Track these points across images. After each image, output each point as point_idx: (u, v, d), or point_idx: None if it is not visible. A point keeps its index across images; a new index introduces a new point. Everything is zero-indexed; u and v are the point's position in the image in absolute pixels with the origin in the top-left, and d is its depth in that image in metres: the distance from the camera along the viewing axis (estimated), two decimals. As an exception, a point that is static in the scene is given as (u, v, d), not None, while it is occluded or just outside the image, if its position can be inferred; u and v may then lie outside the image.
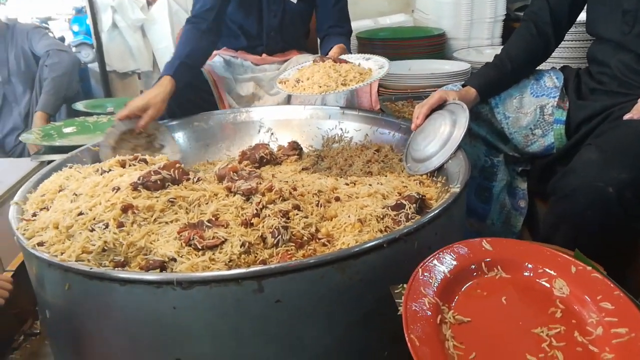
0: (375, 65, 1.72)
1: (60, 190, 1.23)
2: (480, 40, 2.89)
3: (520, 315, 0.87)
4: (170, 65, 1.81)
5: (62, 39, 3.58)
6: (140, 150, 1.67)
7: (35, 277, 1.07)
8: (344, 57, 1.75)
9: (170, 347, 0.95)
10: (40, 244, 1.03)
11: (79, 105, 2.74)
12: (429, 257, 0.93)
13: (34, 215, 1.17)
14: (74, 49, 3.95)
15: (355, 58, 1.77)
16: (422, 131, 1.48)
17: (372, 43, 2.78)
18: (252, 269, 0.94)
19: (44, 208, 1.20)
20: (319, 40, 2.18)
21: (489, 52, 2.71)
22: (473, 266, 0.95)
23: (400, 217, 1.09)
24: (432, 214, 1.05)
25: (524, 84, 1.59)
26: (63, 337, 1.08)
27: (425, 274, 0.90)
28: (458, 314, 0.85)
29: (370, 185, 1.28)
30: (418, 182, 1.34)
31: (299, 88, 1.59)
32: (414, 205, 1.12)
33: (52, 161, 1.79)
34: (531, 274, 0.95)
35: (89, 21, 3.37)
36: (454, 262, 0.94)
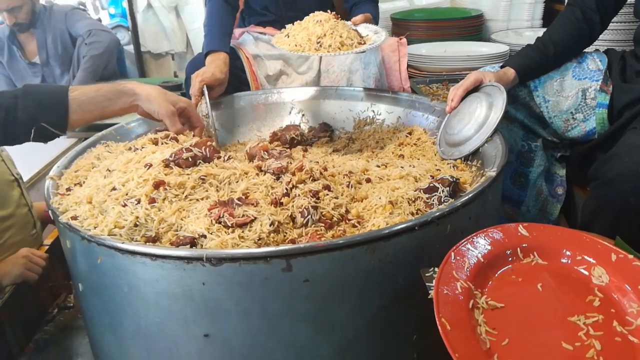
0: (375, 37, 1.69)
1: (93, 167, 1.25)
2: (519, 22, 2.80)
3: (556, 302, 0.85)
4: (220, 41, 1.83)
5: (99, 21, 3.64)
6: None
7: (69, 250, 1.09)
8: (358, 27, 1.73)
9: (199, 323, 0.95)
10: (74, 217, 1.05)
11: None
12: (462, 241, 0.91)
13: (68, 190, 1.19)
14: (111, 31, 4.00)
15: (366, 29, 1.74)
16: (456, 114, 1.44)
17: (407, 24, 2.73)
18: (281, 247, 0.93)
19: (78, 183, 1.22)
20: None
21: (529, 35, 2.62)
22: (508, 252, 0.92)
23: (433, 200, 1.07)
24: (466, 197, 1.02)
25: (565, 67, 1.53)
26: (95, 310, 1.10)
27: (458, 257, 0.87)
28: (491, 299, 0.83)
29: (402, 167, 1.25)
30: (452, 166, 1.31)
31: (284, 43, 1.61)
32: (447, 188, 1.09)
33: (87, 138, 1.82)
34: (569, 261, 0.92)
35: (124, 3, 3.40)
36: (489, 247, 0.91)
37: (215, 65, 1.74)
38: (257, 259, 0.89)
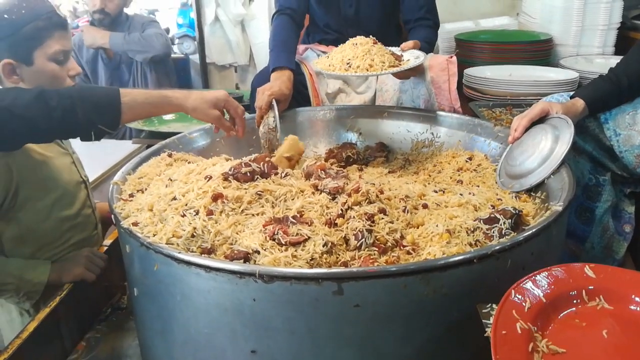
0: (413, 57, 1.75)
1: (156, 175, 1.29)
2: (590, 49, 2.68)
3: (621, 351, 0.79)
4: (285, 57, 1.88)
5: (167, 30, 3.79)
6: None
7: (127, 255, 1.13)
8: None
9: (247, 338, 0.96)
10: (135, 224, 1.08)
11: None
12: (523, 279, 0.87)
13: (131, 195, 1.23)
14: (177, 41, 4.16)
15: (409, 54, 1.80)
16: (520, 145, 1.39)
17: (471, 46, 2.68)
18: (334, 270, 0.92)
19: (140, 190, 1.26)
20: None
21: (600, 62, 2.51)
22: (573, 293, 0.88)
23: (493, 232, 1.03)
24: (529, 232, 0.97)
25: (639, 99, 1.44)
26: (147, 315, 1.13)
27: (519, 296, 0.84)
28: (552, 344, 0.78)
29: (461, 194, 1.22)
30: (514, 196, 1.26)
31: (321, 64, 1.72)
32: (509, 220, 1.05)
33: (151, 145, 1.89)
34: (638, 308, 0.86)
35: (193, 14, 3.54)
36: (552, 287, 0.87)
37: (282, 81, 1.78)
38: (309, 279, 0.88)
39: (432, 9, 2.09)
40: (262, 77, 1.93)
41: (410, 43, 1.83)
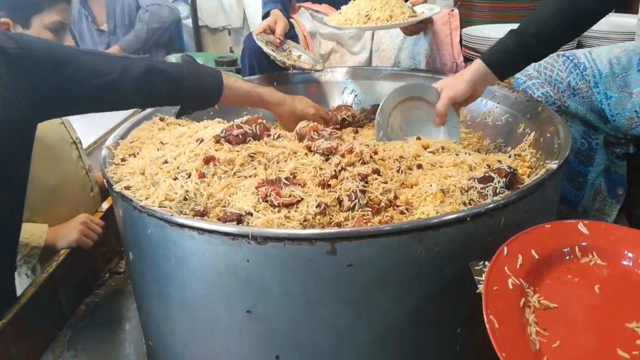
0: (429, 12, 1.72)
1: (148, 139, 1.28)
2: (593, 5, 2.61)
3: (613, 306, 0.80)
4: (273, 4, 1.92)
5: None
6: (285, 59, 1.78)
7: (121, 219, 1.13)
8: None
9: (241, 299, 0.96)
10: (127, 187, 1.07)
11: (172, 59, 2.83)
12: (516, 235, 0.86)
13: (123, 160, 1.22)
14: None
15: (421, 7, 1.78)
16: None
17: (470, 4, 2.60)
18: (326, 230, 0.92)
19: (133, 154, 1.25)
20: None
21: (614, 20, 2.45)
22: (566, 249, 0.88)
23: (488, 191, 1.02)
24: (524, 189, 0.97)
25: (628, 58, 1.40)
26: (144, 278, 1.14)
27: (511, 252, 0.84)
28: (544, 299, 0.79)
29: (457, 154, 1.21)
30: (513, 156, 1.24)
31: (336, 19, 1.70)
32: (504, 179, 1.04)
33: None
34: (630, 263, 0.87)
35: (185, -23, 3.45)
36: (544, 243, 0.87)
37: (277, 14, 1.87)
38: (302, 240, 0.88)
39: None
40: (253, 39, 1.90)
41: None
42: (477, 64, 1.32)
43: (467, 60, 2.22)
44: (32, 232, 1.54)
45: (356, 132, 1.63)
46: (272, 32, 1.84)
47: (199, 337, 1.05)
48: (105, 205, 1.75)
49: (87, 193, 1.76)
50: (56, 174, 1.64)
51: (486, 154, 1.30)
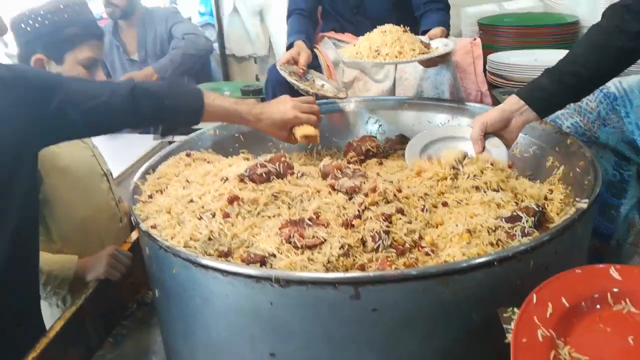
0: (442, 45, 1.71)
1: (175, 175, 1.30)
2: (620, 30, 2.58)
3: (649, 358, 0.76)
4: (297, 36, 1.96)
5: (189, 19, 3.78)
6: (309, 88, 1.80)
7: (147, 256, 1.14)
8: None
9: (265, 341, 0.96)
10: (154, 226, 1.09)
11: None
12: (545, 282, 0.84)
13: (150, 196, 1.24)
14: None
15: (437, 42, 1.77)
16: None
17: (495, 30, 2.60)
18: (350, 274, 0.91)
19: (159, 190, 1.27)
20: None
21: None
22: (596, 296, 0.84)
23: (516, 231, 1.00)
24: (553, 231, 0.94)
25: None
26: (169, 316, 1.14)
27: (540, 300, 0.81)
28: (575, 351, 0.76)
29: (484, 192, 1.18)
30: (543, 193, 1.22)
31: (348, 52, 1.73)
32: (532, 218, 1.01)
33: (172, 142, 1.90)
34: (667, 312, 0.83)
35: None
36: (575, 290, 0.84)
37: (301, 45, 1.90)
38: (325, 284, 0.87)
39: None
40: (277, 70, 1.93)
41: (437, 31, 1.82)
42: (511, 97, 1.32)
43: (493, 87, 2.21)
44: (62, 264, 1.58)
45: (380, 163, 1.62)
46: (296, 62, 1.87)
47: (223, 377, 1.05)
48: (134, 236, 1.77)
49: (116, 224, 1.79)
50: (87, 205, 1.69)
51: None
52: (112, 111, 1.24)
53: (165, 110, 1.29)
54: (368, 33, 1.76)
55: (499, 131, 1.35)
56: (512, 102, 1.31)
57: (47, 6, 1.57)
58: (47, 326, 1.37)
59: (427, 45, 1.72)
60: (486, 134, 1.35)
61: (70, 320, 1.38)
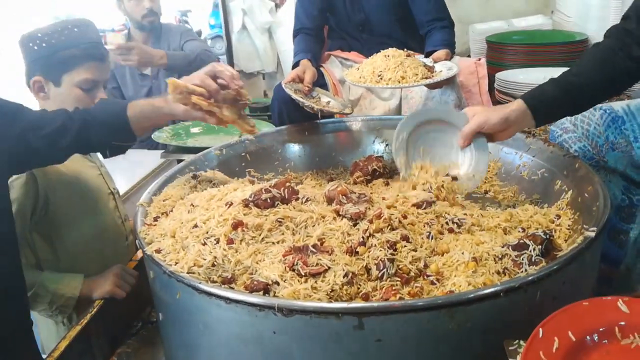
0: (446, 69, 1.73)
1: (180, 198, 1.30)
2: (630, 47, 2.57)
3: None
4: (302, 55, 1.98)
5: (199, 33, 3.80)
6: (314, 104, 1.81)
7: (152, 280, 1.14)
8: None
9: (268, 370, 0.95)
10: (158, 251, 1.09)
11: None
12: (551, 315, 0.83)
13: (156, 219, 1.24)
14: (209, 42, 4.16)
15: (440, 65, 1.79)
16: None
17: (503, 48, 2.60)
18: (354, 305, 0.90)
19: (165, 212, 1.27)
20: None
21: None
22: (603, 329, 0.83)
23: (523, 259, 0.99)
24: (561, 260, 0.93)
25: None
26: (173, 340, 1.14)
27: (547, 334, 0.80)
28: (583, 387, 0.74)
29: (492, 217, 1.17)
30: (555, 217, 1.20)
31: (352, 75, 1.75)
32: (540, 246, 1.00)
33: (179, 160, 1.91)
34: (678, 346, 0.81)
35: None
36: (581, 323, 0.82)
37: (306, 64, 1.93)
38: (329, 314, 0.87)
39: (442, 9, 2.07)
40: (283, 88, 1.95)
41: (442, 54, 1.82)
42: (517, 102, 1.31)
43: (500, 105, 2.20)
44: (68, 283, 1.58)
45: (387, 183, 1.61)
46: (301, 80, 1.88)
47: (225, 404, 1.04)
48: (139, 254, 1.78)
49: (122, 242, 1.80)
50: (93, 224, 1.69)
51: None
52: (44, 138, 1.23)
53: (92, 129, 1.28)
54: (372, 57, 1.78)
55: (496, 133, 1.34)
56: (519, 109, 1.29)
57: (47, 28, 1.57)
58: (53, 345, 1.37)
59: (431, 69, 1.73)
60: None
61: (75, 340, 1.38)
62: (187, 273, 1.01)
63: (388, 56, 1.71)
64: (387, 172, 1.67)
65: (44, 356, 1.41)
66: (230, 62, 3.54)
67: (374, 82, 1.68)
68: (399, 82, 1.66)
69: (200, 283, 0.96)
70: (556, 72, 2.28)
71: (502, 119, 1.30)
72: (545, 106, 1.28)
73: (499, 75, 2.31)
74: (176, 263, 1.04)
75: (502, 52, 2.58)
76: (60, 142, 1.27)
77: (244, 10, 3.36)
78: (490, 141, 1.37)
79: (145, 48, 2.81)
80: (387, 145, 1.87)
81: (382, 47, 1.94)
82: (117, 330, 1.63)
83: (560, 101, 1.27)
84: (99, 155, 1.81)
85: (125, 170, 2.32)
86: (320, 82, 2.00)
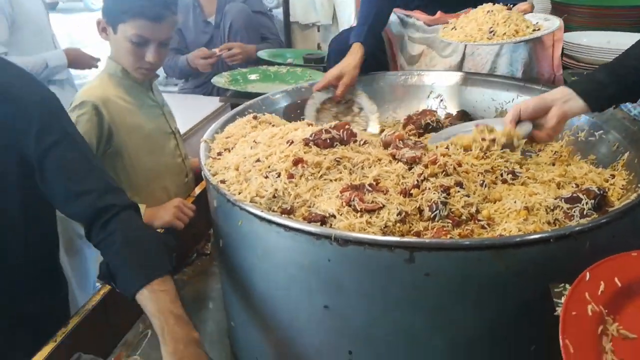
0: (547, 23, 1.64)
1: (242, 136, 1.37)
2: None
3: (701, 344, 0.77)
4: (359, 32, 1.84)
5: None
6: (342, 117, 1.80)
7: (215, 209, 1.22)
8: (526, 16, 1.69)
9: (321, 294, 1.02)
10: (222, 181, 1.16)
11: (263, 54, 2.93)
12: (600, 262, 0.86)
13: (219, 154, 1.32)
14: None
15: (535, 17, 1.70)
16: None
17: (568, 9, 2.51)
18: (406, 239, 0.95)
19: (227, 149, 1.35)
20: None
21: None
22: (651, 279, 0.85)
23: (574, 212, 1.01)
24: (612, 214, 0.95)
25: None
26: (232, 264, 1.22)
27: (593, 278, 0.83)
28: (623, 328, 0.78)
29: (546, 172, 1.19)
30: (609, 176, 1.21)
31: (452, 35, 1.66)
32: (592, 201, 1.02)
33: (235, 104, 1.97)
34: None
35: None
36: (628, 272, 0.85)
37: (352, 58, 1.78)
38: (382, 246, 0.92)
39: None
40: (340, 41, 1.94)
41: (526, 6, 1.76)
42: (559, 87, 1.26)
43: (563, 67, 2.14)
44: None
45: (439, 138, 1.63)
46: (335, 87, 1.78)
47: (278, 325, 1.13)
48: (197, 190, 1.88)
49: (182, 179, 1.90)
50: (155, 160, 1.80)
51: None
52: None
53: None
54: (466, 14, 1.71)
55: (535, 119, 1.27)
56: (557, 91, 1.24)
57: None
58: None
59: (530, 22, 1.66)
60: (520, 122, 1.29)
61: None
62: (250, 202, 1.08)
63: (491, 11, 1.65)
64: (440, 126, 1.69)
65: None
66: (286, 13, 3.55)
67: (485, 39, 1.62)
68: (514, 35, 1.59)
69: (262, 211, 1.03)
70: (620, 36, 2.23)
71: (536, 99, 1.26)
72: (593, 89, 1.20)
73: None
74: (239, 193, 1.11)
75: (566, 13, 2.49)
76: None
77: (302, -41, 3.34)
78: (541, 139, 1.30)
79: (244, 46, 2.96)
80: (441, 100, 1.87)
81: (448, 5, 1.91)
82: (174, 259, 1.75)
83: (609, 84, 1.19)
84: (162, 94, 1.91)
85: (183, 113, 2.40)
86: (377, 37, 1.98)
